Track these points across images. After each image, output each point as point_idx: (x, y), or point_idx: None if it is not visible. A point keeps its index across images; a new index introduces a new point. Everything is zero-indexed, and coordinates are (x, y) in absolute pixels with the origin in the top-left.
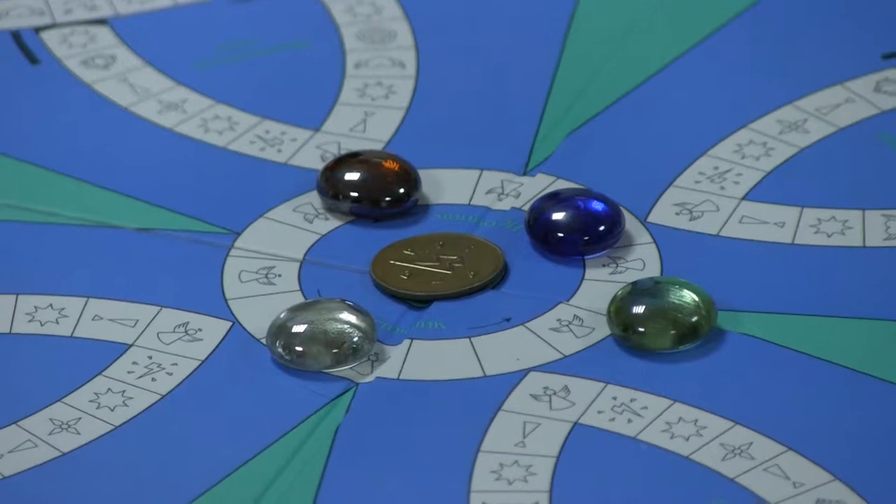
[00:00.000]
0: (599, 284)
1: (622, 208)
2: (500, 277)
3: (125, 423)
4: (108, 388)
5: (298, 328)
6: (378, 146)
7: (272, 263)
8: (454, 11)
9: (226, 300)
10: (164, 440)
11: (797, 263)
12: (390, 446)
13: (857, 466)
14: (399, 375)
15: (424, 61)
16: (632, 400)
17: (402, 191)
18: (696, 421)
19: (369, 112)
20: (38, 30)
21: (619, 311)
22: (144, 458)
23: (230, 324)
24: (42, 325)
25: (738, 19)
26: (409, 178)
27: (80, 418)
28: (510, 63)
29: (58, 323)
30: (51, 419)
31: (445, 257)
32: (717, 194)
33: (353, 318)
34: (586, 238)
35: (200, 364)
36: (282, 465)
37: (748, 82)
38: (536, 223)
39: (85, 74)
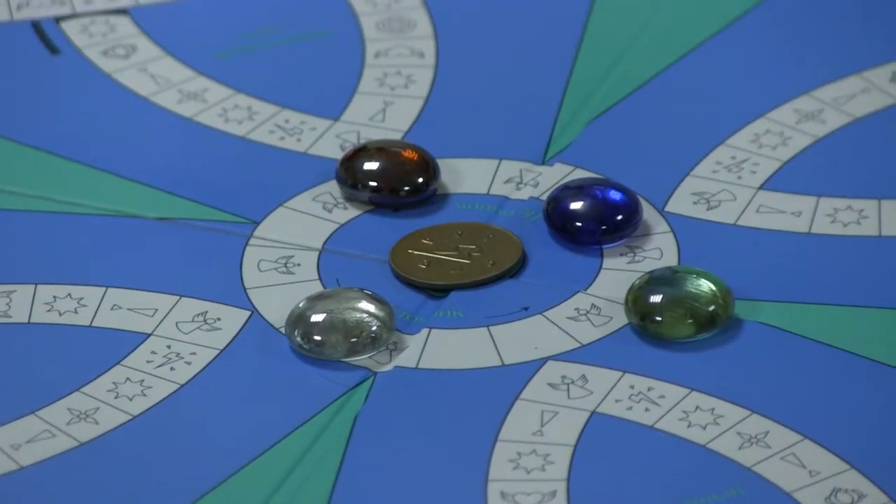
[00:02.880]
0: (617, 273)
1: (640, 197)
2: (518, 267)
3: (144, 412)
4: (127, 378)
5: (317, 317)
6: (397, 136)
7: (291, 253)
8: (474, 1)
9: (245, 289)
10: (183, 429)
11: (814, 253)
12: (408, 435)
13: (873, 455)
14: (417, 364)
15: (444, 51)
16: (649, 389)
17: (420, 180)
18: (713, 410)
19: (388, 101)
20: (58, 20)
21: (636, 300)
22: (163, 448)
23: (249, 313)
24: (61, 314)
25: (756, 10)
26: (428, 167)
27: (98, 408)
28: (529, 52)
29: (76, 312)
30: (69, 409)
31: (464, 247)
32: (735, 184)
33: (371, 308)
34: (604, 227)
35: (219, 353)
36: (301, 454)
37: (765, 72)
38: (555, 212)
39: (105, 64)
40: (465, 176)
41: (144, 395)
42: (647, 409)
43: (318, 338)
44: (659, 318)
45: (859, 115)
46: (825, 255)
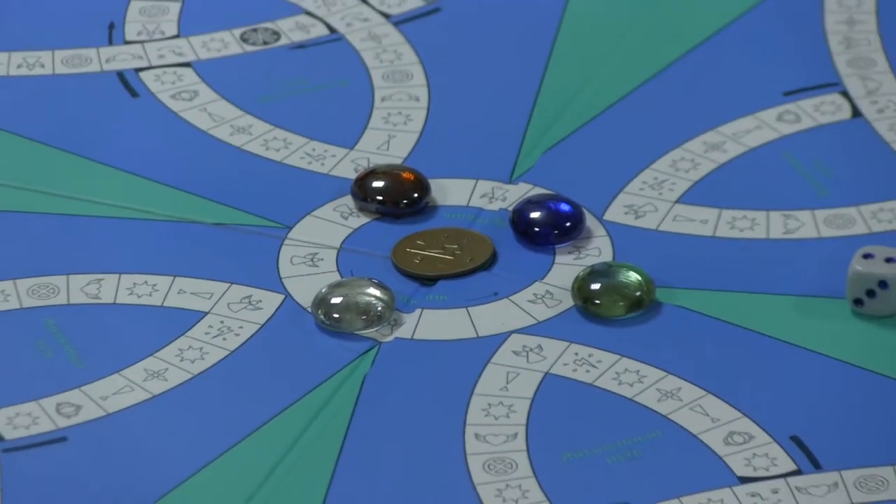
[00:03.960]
0: (566, 267)
1: (584, 209)
2: (490, 262)
3: (202, 372)
4: (189, 346)
5: (336, 300)
6: (398, 161)
7: (316, 250)
8: (458, 58)
9: (280, 278)
10: (232, 385)
11: (717, 252)
12: (405, 391)
13: (760, 407)
14: (412, 336)
15: (434, 96)
16: (589, 355)
17: (416, 195)
18: (638, 371)
19: (391, 135)
20: (138, 70)
21: (580, 287)
22: (216, 399)
23: (283, 297)
24: (139, 297)
25: (680, 62)
26: (422, 185)
27: (167, 368)
28: (500, 99)
29: (151, 296)
30: (145, 369)
31: (449, 246)
32: (657, 198)
33: (377, 293)
34: (556, 232)
35: (260, 327)
36: (323, 404)
37: (683, 113)
38: (518, 220)
39: (174, 105)
40: (450, 192)
41: (203, 358)
42: (587, 371)
43: (336, 315)
44: (598, 302)
45: (753, 145)
46: (726, 254)
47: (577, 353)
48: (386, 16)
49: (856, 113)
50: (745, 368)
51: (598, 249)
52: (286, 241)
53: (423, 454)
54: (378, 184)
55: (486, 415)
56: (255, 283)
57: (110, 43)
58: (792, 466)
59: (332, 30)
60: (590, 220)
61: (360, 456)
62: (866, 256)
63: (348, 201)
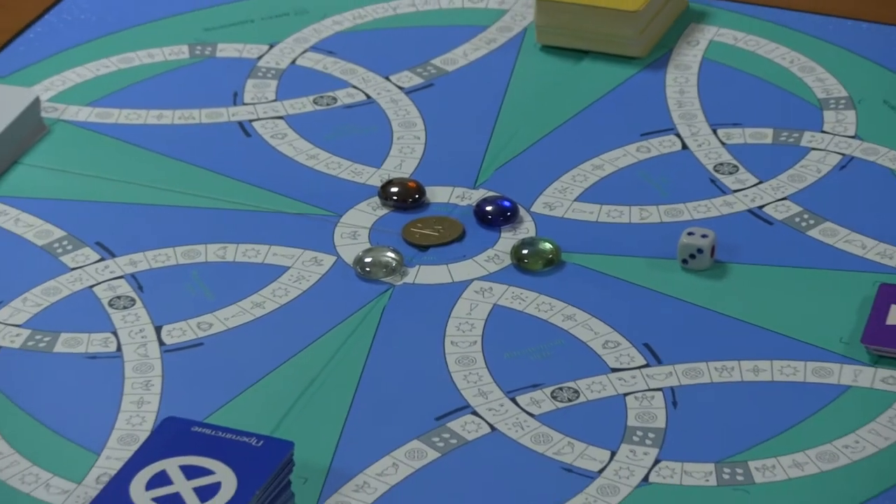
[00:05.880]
0: (507, 240)
1: (518, 204)
2: (461, 237)
3: (280, 307)
4: (276, 289)
5: (368, 259)
6: (406, 175)
7: (356, 230)
8: (443, 113)
9: (334, 246)
10: (298, 318)
11: (600, 231)
12: (409, 315)
13: (624, 325)
14: (414, 282)
15: (429, 137)
16: (521, 294)
17: (417, 196)
18: (551, 304)
19: (402, 160)
20: (251, 121)
21: (515, 251)
22: (282, 332)
23: (335, 258)
24: (250, 258)
25: (579, 115)
26: (421, 190)
27: (265, 301)
28: (469, 136)
29: (257, 257)
30: (252, 301)
31: (437, 227)
32: (563, 198)
33: (393, 255)
34: (501, 218)
35: (320, 277)
36: (357, 325)
37: (579, 147)
38: (479, 211)
39: (271, 141)
40: (437, 194)
41: (287, 294)
42: (519, 303)
43: (367, 269)
44: (526, 261)
45: (622, 166)
46: (605, 232)
47: (513, 293)
48: (400, 88)
49: (684, 146)
50: (616, 301)
51: (527, 229)
52: (338, 224)
53: (420, 353)
54: (394, 189)
55: (457, 329)
56: (319, 249)
57: (234, 104)
58: (643, 362)
59: (367, 96)
60: (522, 212)
61: (381, 353)
62: (689, 234)
63: (375, 200)
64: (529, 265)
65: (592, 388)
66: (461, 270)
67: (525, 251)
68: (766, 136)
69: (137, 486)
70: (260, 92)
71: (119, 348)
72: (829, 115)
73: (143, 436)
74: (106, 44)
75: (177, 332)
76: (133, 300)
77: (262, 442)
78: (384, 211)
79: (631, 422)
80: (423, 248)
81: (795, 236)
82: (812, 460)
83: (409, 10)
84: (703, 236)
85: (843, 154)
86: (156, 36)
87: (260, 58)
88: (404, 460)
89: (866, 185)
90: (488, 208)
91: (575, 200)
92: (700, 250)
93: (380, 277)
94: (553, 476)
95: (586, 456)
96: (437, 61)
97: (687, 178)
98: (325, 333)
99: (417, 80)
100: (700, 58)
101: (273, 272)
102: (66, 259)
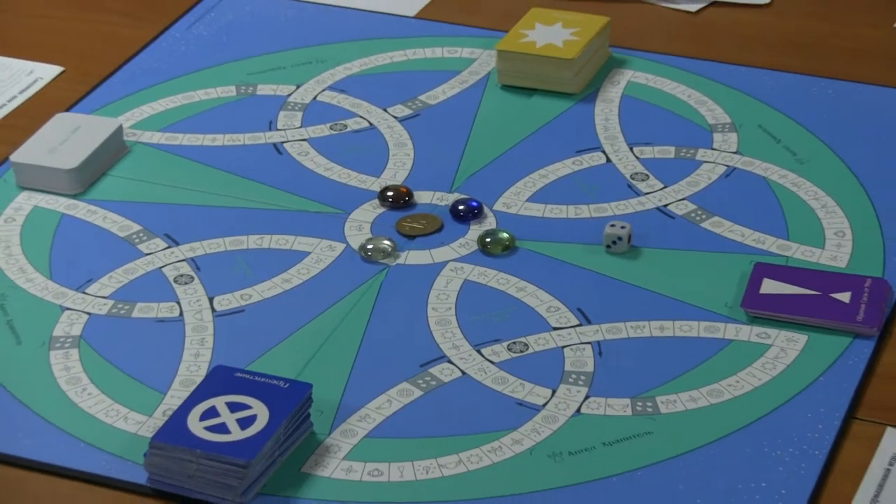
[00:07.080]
0: (475, 231)
1: (484, 204)
2: (440, 229)
3: (298, 285)
4: (298, 270)
5: (369, 245)
6: (399, 182)
7: (361, 224)
8: (427, 135)
9: (344, 236)
10: (316, 291)
11: (546, 224)
12: (400, 289)
13: (563, 293)
14: (405, 262)
15: (418, 153)
16: (485, 273)
17: (408, 198)
18: (507, 279)
19: (397, 171)
20: (282, 142)
21: (481, 239)
22: (304, 301)
23: (344, 245)
24: (279, 245)
25: (527, 139)
26: (411, 193)
27: (291, 278)
28: (446, 153)
29: (285, 245)
30: (282, 278)
31: (422, 221)
32: (517, 200)
33: (388, 242)
34: (471, 215)
35: (333, 260)
36: (359, 298)
37: (527, 163)
38: (454, 209)
39: (297, 158)
40: (423, 197)
41: (307, 272)
42: (484, 278)
43: (369, 253)
44: (489, 247)
45: (561, 175)
46: (551, 226)
47: (479, 271)
48: (395, 117)
49: (608, 160)
50: (558, 277)
51: (490, 223)
52: (347, 220)
53: (408, 318)
54: (390, 193)
55: (437, 298)
56: (332, 238)
57: (269, 130)
58: (577, 322)
59: (370, 124)
60: (486, 210)
61: (379, 317)
62: (612, 226)
63: (376, 201)
64: (491, 250)
65: (538, 342)
66: (440, 254)
67: (488, 239)
68: (669, 152)
69: (193, 417)
70: (289, 121)
71: (181, 314)
72: (717, 137)
73: (198, 380)
74: (173, 85)
75: (225, 302)
76: (192, 277)
77: (288, 384)
78: (382, 209)
79: (567, 367)
80: (412, 237)
81: (692, 227)
82: (704, 395)
83: (402, 58)
84: (622, 227)
85: (727, 165)
86: (210, 79)
87: (289, 95)
88: (396, 397)
89: (745, 189)
90: (461, 207)
91: (526, 201)
92: (620, 238)
93: (378, 260)
94: (509, 408)
95: (534, 393)
96: (423, 97)
97: (610, 185)
98: (336, 302)
99: (408, 112)
100: (621, 94)
101: (298, 256)
102: (141, 247)
